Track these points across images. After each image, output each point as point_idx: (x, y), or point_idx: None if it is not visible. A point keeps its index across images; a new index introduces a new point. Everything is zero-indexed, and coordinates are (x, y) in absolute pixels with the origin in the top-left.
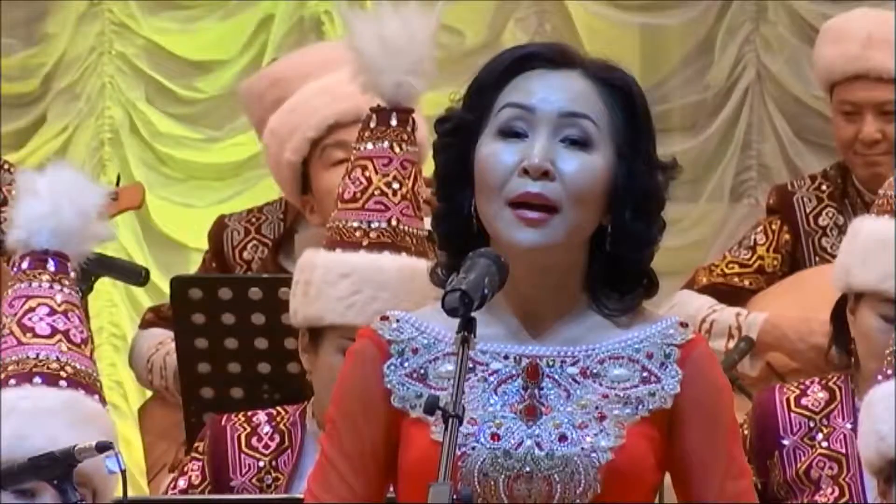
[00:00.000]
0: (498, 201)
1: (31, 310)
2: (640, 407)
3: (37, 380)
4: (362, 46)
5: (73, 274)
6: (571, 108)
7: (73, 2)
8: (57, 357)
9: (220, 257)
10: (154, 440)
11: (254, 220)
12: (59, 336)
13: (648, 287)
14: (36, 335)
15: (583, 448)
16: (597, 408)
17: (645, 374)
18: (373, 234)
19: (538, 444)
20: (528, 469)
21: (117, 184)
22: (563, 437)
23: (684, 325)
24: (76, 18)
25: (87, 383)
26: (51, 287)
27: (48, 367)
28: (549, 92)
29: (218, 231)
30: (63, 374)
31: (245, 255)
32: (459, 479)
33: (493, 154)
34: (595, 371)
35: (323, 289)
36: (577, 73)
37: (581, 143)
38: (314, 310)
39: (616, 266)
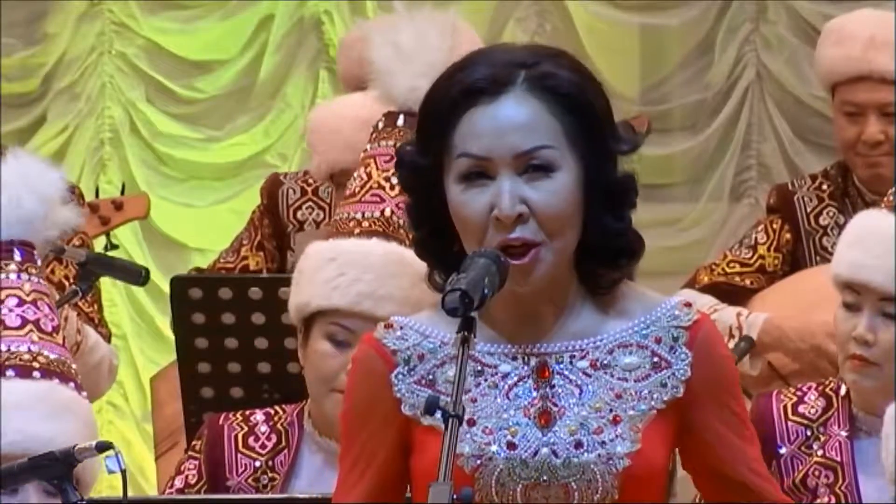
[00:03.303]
0: (479, 245)
1: (0, 302)
2: (655, 400)
3: (10, 373)
4: (376, 54)
5: (39, 261)
6: (524, 147)
7: (73, 2)
8: (28, 348)
9: (274, 215)
10: (165, 404)
11: (311, 181)
12: (29, 326)
13: (632, 255)
14: (6, 327)
15: (599, 455)
16: (611, 410)
17: (655, 359)
18: (365, 224)
19: (554, 453)
20: (545, 478)
21: (122, 192)
22: (578, 444)
23: (688, 305)
24: (76, 18)
25: (62, 371)
26: (18, 277)
27: (20, 360)
28: (499, 134)
29: (273, 187)
30: (36, 364)
31: (300, 215)
32: (477, 490)
33: (463, 205)
34: (605, 362)
35: (311, 275)
36: (520, 92)
37: (545, 169)
38: (303, 296)
39: (598, 248)
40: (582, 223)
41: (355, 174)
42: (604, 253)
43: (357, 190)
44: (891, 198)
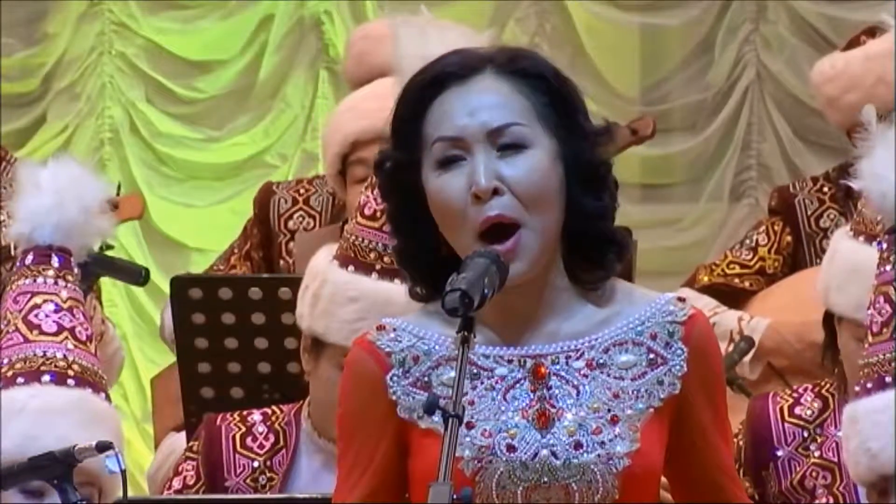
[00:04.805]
0: (464, 236)
1: (37, 306)
2: (653, 398)
3: (45, 378)
4: (405, 64)
5: (76, 270)
6: (495, 123)
7: (73, 2)
8: (64, 355)
9: (265, 224)
10: (164, 406)
11: (303, 190)
12: (65, 333)
13: (621, 249)
14: (42, 332)
15: (599, 455)
16: (609, 410)
17: (651, 356)
18: (386, 259)
19: (554, 454)
20: (545, 479)
21: (118, 193)
22: (578, 445)
23: (682, 300)
24: (76, 18)
25: (94, 381)
26: (55, 283)
27: (56, 366)
28: (469, 113)
29: (264, 197)
30: (70, 372)
31: (290, 224)
32: (477, 493)
33: (441, 189)
34: (601, 361)
35: (330, 308)
36: (489, 74)
37: (518, 146)
38: (320, 326)
39: (584, 240)
40: (563, 208)
41: (374, 191)
42: (589, 244)
43: (378, 214)
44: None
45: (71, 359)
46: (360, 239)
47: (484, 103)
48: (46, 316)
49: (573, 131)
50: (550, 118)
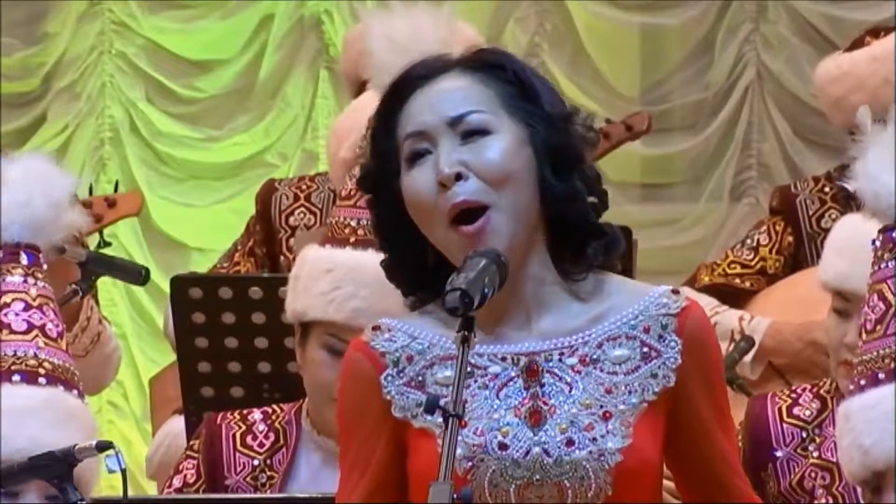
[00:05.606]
0: (438, 227)
1: (6, 305)
2: (646, 392)
3: (16, 378)
4: (374, 45)
5: (45, 266)
6: (455, 112)
7: (73, 2)
8: (35, 353)
9: (266, 221)
10: (162, 408)
11: (304, 187)
12: (35, 331)
13: (609, 242)
14: (12, 331)
15: (591, 452)
16: (601, 406)
17: (645, 349)
18: (360, 232)
19: (546, 451)
20: (537, 477)
21: (115, 190)
22: (570, 442)
23: (676, 291)
24: (76, 18)
25: (66, 378)
26: (24, 281)
27: (26, 365)
28: (430, 106)
29: (266, 194)
30: (41, 370)
31: (292, 220)
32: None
33: (411, 184)
34: (595, 357)
35: (308, 284)
36: (454, 72)
37: (481, 132)
38: (300, 304)
39: (562, 227)
40: (536, 193)
41: (351, 174)
42: (568, 231)
43: (352, 192)
44: None
45: (42, 357)
46: (338, 218)
47: (445, 97)
48: (16, 315)
49: (539, 117)
50: (516, 106)
